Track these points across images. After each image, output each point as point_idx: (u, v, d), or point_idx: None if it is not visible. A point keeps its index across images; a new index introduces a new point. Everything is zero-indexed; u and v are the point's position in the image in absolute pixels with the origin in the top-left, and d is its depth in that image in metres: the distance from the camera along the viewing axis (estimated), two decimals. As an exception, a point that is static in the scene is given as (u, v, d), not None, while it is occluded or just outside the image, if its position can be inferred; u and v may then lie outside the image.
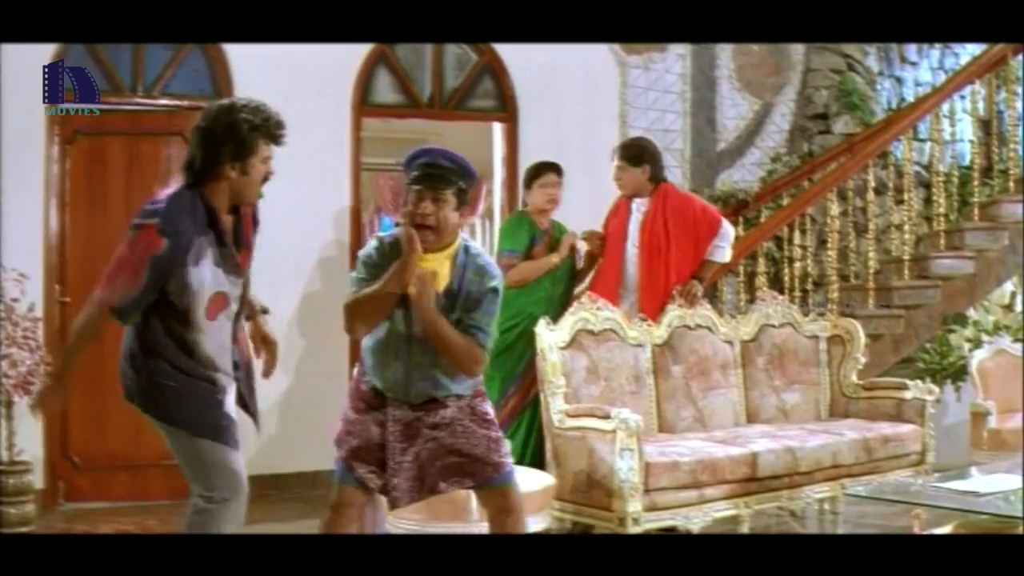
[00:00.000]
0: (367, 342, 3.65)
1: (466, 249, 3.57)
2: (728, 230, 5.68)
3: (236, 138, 3.38)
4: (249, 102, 3.47)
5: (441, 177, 3.48)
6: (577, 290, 5.72)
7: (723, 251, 5.65)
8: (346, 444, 3.63)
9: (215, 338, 3.49)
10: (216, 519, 3.50)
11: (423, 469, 3.59)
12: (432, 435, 3.58)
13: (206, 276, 3.41)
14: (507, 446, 3.72)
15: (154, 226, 3.33)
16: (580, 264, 5.71)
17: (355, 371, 3.77)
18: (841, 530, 5.54)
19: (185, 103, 6.35)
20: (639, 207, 5.60)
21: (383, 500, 3.91)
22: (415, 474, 3.58)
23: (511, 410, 5.38)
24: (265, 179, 3.49)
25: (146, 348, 3.45)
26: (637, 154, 5.65)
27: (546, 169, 5.72)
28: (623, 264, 5.59)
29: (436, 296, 3.46)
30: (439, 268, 3.51)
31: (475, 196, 3.58)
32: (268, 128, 3.43)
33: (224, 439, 3.48)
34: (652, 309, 5.54)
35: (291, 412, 6.48)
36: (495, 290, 3.54)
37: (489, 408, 3.72)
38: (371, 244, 3.62)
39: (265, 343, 3.82)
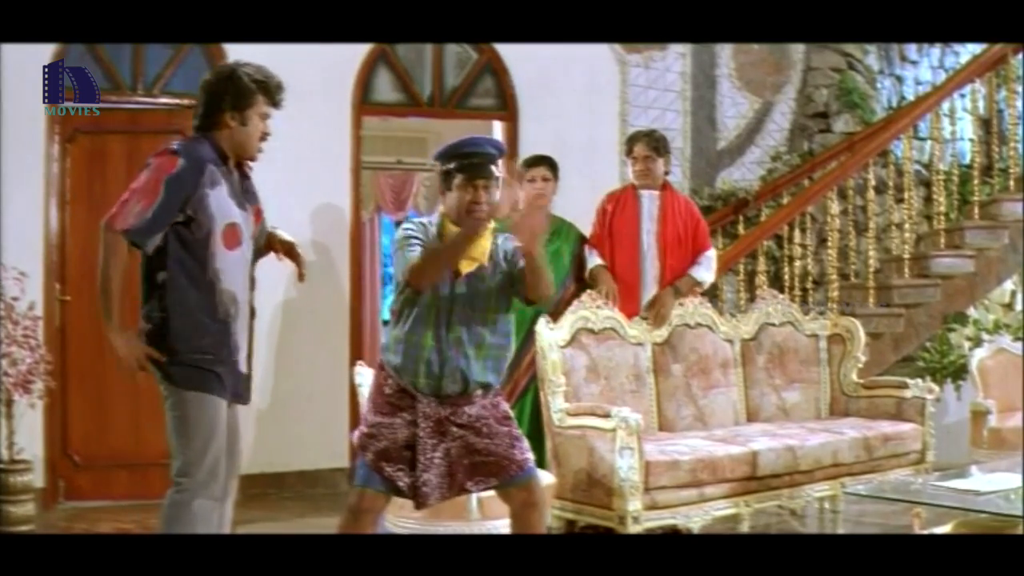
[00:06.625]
0: (396, 333, 3.67)
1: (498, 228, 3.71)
2: (713, 253, 5.68)
3: (236, 88, 3.60)
4: (252, 63, 3.70)
5: (489, 166, 3.60)
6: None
7: (706, 272, 5.62)
8: (372, 447, 3.62)
9: (232, 273, 3.58)
10: (189, 511, 3.48)
11: (453, 466, 3.62)
12: (460, 434, 3.62)
13: (223, 200, 3.55)
14: (526, 442, 3.75)
15: (169, 150, 3.55)
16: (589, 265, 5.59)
17: (375, 375, 3.77)
18: (841, 529, 5.54)
19: (185, 101, 6.29)
20: (651, 199, 5.57)
21: None
22: (445, 471, 3.61)
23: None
24: (263, 138, 3.68)
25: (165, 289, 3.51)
26: (663, 144, 5.64)
27: (531, 164, 5.67)
28: (640, 258, 5.53)
29: (481, 267, 3.62)
30: (484, 243, 3.64)
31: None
32: (267, 86, 3.65)
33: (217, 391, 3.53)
34: None
35: (291, 411, 6.47)
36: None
37: (507, 406, 3.79)
38: (415, 221, 3.73)
39: (285, 247, 3.86)
